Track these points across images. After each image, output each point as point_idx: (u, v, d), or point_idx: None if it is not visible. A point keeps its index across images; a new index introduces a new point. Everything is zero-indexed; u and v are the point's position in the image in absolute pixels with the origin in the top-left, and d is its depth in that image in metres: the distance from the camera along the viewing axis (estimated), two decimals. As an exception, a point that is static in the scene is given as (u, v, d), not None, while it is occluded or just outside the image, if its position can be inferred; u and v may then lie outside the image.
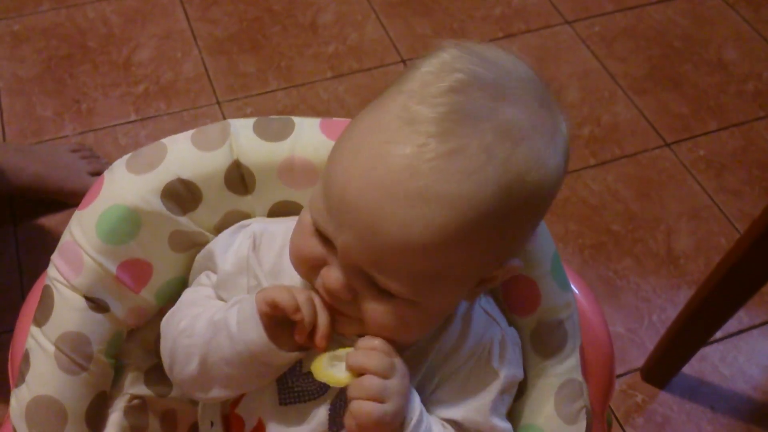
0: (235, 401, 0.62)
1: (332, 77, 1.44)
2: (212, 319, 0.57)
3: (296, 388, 0.59)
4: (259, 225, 0.64)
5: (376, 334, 0.54)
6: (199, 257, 0.65)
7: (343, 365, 0.54)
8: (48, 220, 1.21)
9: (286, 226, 0.62)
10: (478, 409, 0.59)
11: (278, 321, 0.54)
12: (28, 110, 1.35)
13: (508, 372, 0.60)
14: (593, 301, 0.77)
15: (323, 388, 0.59)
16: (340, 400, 0.58)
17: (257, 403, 0.60)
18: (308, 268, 0.55)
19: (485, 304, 0.62)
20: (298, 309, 0.52)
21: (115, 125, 1.34)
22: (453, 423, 0.59)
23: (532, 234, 0.56)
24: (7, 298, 1.13)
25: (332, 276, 0.52)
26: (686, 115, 1.43)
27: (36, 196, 1.20)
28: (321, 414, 0.58)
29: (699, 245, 1.25)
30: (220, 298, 0.62)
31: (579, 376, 0.63)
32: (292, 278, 0.59)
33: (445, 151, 0.46)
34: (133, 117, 1.35)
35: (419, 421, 0.54)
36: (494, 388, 0.59)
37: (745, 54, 1.53)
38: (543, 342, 0.64)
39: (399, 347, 0.55)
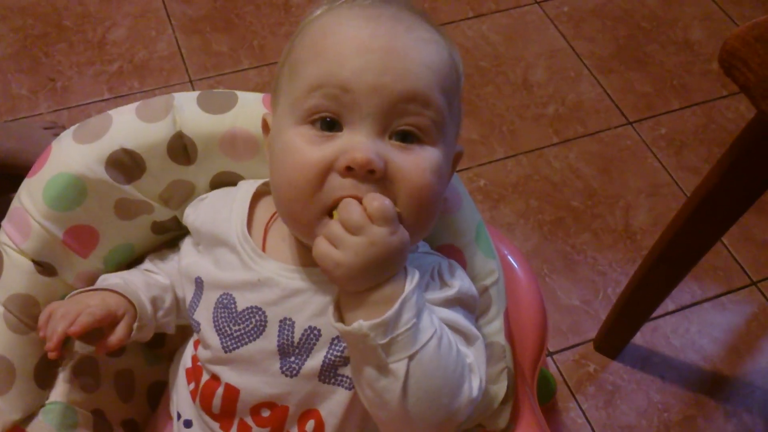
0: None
1: (304, 56, 1.46)
2: None
3: (235, 333, 0.60)
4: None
5: (407, 199, 0.54)
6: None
7: None
8: (21, 195, 1.24)
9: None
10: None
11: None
12: (3, 88, 1.38)
13: (462, 284, 0.60)
14: (529, 271, 0.81)
15: (262, 324, 0.59)
16: (286, 330, 0.59)
17: (206, 353, 0.62)
18: (315, 183, 0.54)
19: (423, 247, 0.64)
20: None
21: (89, 103, 1.37)
22: None
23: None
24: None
25: (357, 148, 0.52)
26: (650, 94, 1.46)
27: (10, 172, 1.23)
28: (268, 350, 0.59)
29: (656, 221, 1.28)
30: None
31: (502, 340, 0.66)
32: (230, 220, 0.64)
33: (404, 29, 0.56)
34: (106, 95, 1.38)
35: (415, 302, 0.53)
36: (449, 293, 0.59)
37: (712, 34, 1.56)
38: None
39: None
